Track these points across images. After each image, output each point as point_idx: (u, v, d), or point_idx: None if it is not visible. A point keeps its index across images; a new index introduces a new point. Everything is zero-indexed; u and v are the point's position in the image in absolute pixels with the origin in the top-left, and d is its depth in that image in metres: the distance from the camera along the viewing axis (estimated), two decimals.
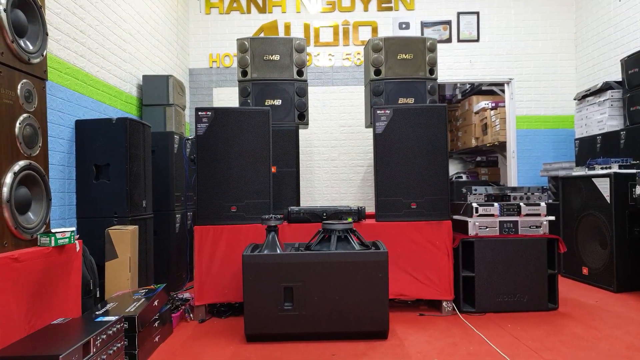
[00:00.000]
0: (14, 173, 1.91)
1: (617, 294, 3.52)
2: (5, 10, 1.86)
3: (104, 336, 1.88)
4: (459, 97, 7.29)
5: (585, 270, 3.89)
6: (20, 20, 2.00)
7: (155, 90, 4.05)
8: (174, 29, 5.07)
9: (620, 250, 3.55)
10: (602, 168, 3.81)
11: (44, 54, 2.14)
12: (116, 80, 3.66)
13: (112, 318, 2.02)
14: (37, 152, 2.09)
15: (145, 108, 4.06)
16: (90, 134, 2.99)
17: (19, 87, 1.98)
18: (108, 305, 2.31)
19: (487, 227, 3.10)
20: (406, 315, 3.03)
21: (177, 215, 3.82)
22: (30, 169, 2.02)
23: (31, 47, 2.05)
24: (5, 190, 1.86)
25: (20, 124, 1.97)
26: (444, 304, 3.03)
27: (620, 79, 4.34)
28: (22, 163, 1.96)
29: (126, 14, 3.88)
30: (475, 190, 3.20)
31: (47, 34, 2.15)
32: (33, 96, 2.07)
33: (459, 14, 5.56)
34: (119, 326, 2.03)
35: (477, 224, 3.10)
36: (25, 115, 2.01)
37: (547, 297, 3.05)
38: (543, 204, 3.14)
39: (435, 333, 2.65)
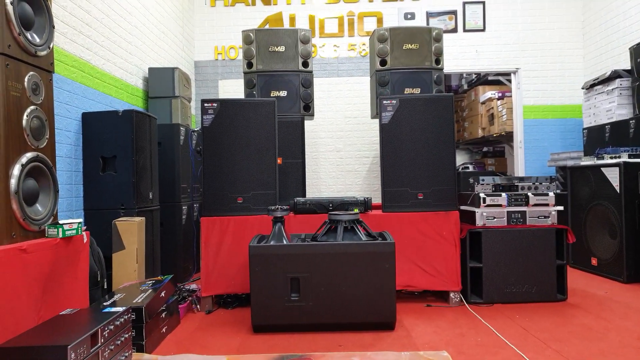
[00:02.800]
0: (22, 165, 1.91)
1: (627, 284, 3.49)
2: (12, 3, 1.86)
3: (112, 327, 1.89)
4: (465, 87, 7.23)
5: (594, 261, 3.86)
6: (27, 13, 1.99)
7: (161, 83, 4.04)
8: (179, 21, 5.06)
9: (630, 241, 3.52)
10: (611, 157, 3.77)
11: (51, 46, 2.14)
12: (122, 73, 3.66)
13: (120, 309, 2.03)
14: (45, 144, 2.09)
15: (151, 100, 4.06)
16: (97, 126, 3.00)
17: (26, 79, 1.98)
18: (115, 296, 2.32)
19: (494, 218, 3.08)
20: (413, 306, 3.02)
21: (183, 207, 3.83)
22: (37, 161, 2.03)
23: (38, 40, 2.05)
24: (13, 182, 1.87)
25: (27, 116, 1.97)
26: (452, 294, 3.03)
27: (629, 68, 4.28)
28: (29, 155, 1.97)
29: (132, 6, 3.87)
30: (483, 180, 3.17)
31: (53, 27, 2.15)
32: (40, 88, 2.07)
33: (464, 3, 5.50)
34: (126, 317, 2.04)
35: (484, 214, 3.08)
36: (32, 107, 2.01)
37: (556, 288, 3.03)
38: (551, 193, 3.11)
39: (443, 324, 2.65)
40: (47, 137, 2.12)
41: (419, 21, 5.49)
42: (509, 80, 5.88)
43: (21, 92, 1.95)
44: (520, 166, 5.58)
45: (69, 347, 1.56)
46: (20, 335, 1.69)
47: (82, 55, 3.10)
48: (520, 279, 3.03)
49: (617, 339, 2.33)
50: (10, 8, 1.85)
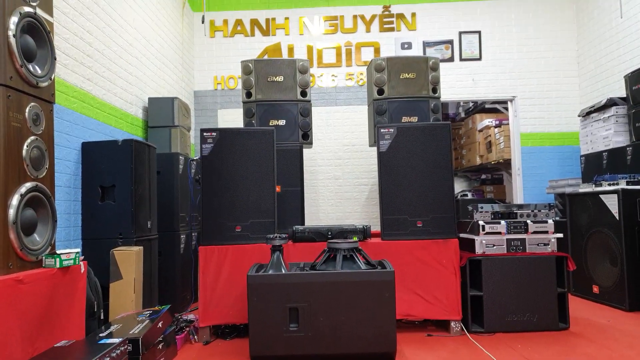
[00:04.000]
0: (21, 195, 1.92)
1: (630, 312, 3.45)
2: (14, 35, 1.90)
3: (108, 359, 1.86)
4: (463, 115, 7.32)
5: (595, 289, 3.82)
6: (29, 45, 2.04)
7: (161, 112, 4.09)
8: (179, 52, 5.15)
9: (631, 268, 3.50)
10: (609, 184, 3.78)
11: (52, 77, 2.17)
12: (122, 103, 3.71)
13: (116, 340, 2.00)
14: (44, 174, 2.10)
15: (150, 130, 4.10)
16: (96, 156, 3.02)
17: (27, 110, 2.00)
18: (112, 327, 2.29)
19: (494, 245, 3.07)
20: (414, 335, 2.98)
21: (182, 236, 3.81)
22: (36, 191, 2.03)
23: (40, 71, 2.09)
24: (12, 212, 1.86)
25: (27, 146, 1.99)
26: (452, 324, 2.99)
27: (624, 95, 4.34)
28: (28, 185, 1.97)
29: (133, 38, 3.95)
30: (482, 207, 3.17)
31: (55, 59, 2.19)
32: (41, 119, 2.10)
33: (460, 33, 5.62)
34: (122, 348, 2.01)
35: (484, 242, 3.07)
36: (32, 137, 2.03)
37: (558, 317, 2.99)
38: (550, 221, 3.11)
39: (444, 354, 2.60)
40: (47, 167, 2.13)
41: (416, 51, 5.59)
42: (506, 108, 5.96)
43: (22, 122, 1.97)
44: (518, 193, 5.58)
45: None
46: None
47: (83, 85, 3.14)
48: (521, 308, 3.00)
49: None
50: (12, 40, 1.89)
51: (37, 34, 2.08)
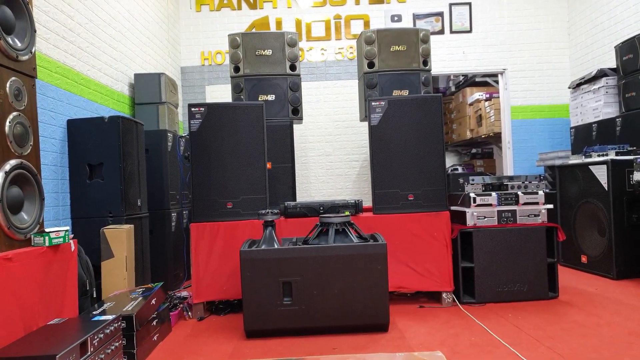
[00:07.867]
0: (5, 172, 1.87)
1: (617, 281, 3.52)
2: None
3: (102, 335, 1.85)
4: (453, 89, 7.28)
5: (584, 259, 3.88)
6: (7, 16, 1.96)
7: (148, 89, 4.00)
8: (165, 26, 5.03)
9: (619, 238, 3.55)
10: (598, 155, 3.80)
11: (33, 51, 2.10)
12: (107, 79, 3.62)
13: (110, 317, 1.99)
14: (29, 151, 2.05)
15: (137, 107, 4.02)
16: (83, 134, 2.96)
17: (7, 84, 1.94)
18: (105, 305, 2.28)
19: (485, 217, 3.09)
20: (406, 307, 3.01)
21: (172, 214, 3.78)
22: (21, 168, 1.98)
23: (19, 44, 2.02)
24: None
25: (10, 122, 1.93)
26: (444, 295, 3.02)
27: (614, 66, 4.33)
28: (13, 162, 1.93)
29: (116, 12, 3.83)
30: (473, 180, 3.18)
31: (35, 31, 2.11)
32: (23, 94, 2.03)
33: (450, 5, 5.53)
34: (116, 325, 2.01)
35: (475, 214, 3.08)
36: (15, 113, 1.97)
37: (547, 286, 3.04)
38: (541, 192, 3.12)
39: (436, 324, 2.64)
40: (31, 144, 2.08)
41: (406, 23, 5.52)
42: (497, 82, 5.93)
43: (3, 97, 1.91)
44: (508, 167, 5.61)
45: (58, 356, 1.53)
46: (7, 346, 1.65)
47: (66, 61, 3.06)
48: (512, 278, 3.04)
49: (608, 335, 2.34)
50: None
51: (15, 4, 2.00)
